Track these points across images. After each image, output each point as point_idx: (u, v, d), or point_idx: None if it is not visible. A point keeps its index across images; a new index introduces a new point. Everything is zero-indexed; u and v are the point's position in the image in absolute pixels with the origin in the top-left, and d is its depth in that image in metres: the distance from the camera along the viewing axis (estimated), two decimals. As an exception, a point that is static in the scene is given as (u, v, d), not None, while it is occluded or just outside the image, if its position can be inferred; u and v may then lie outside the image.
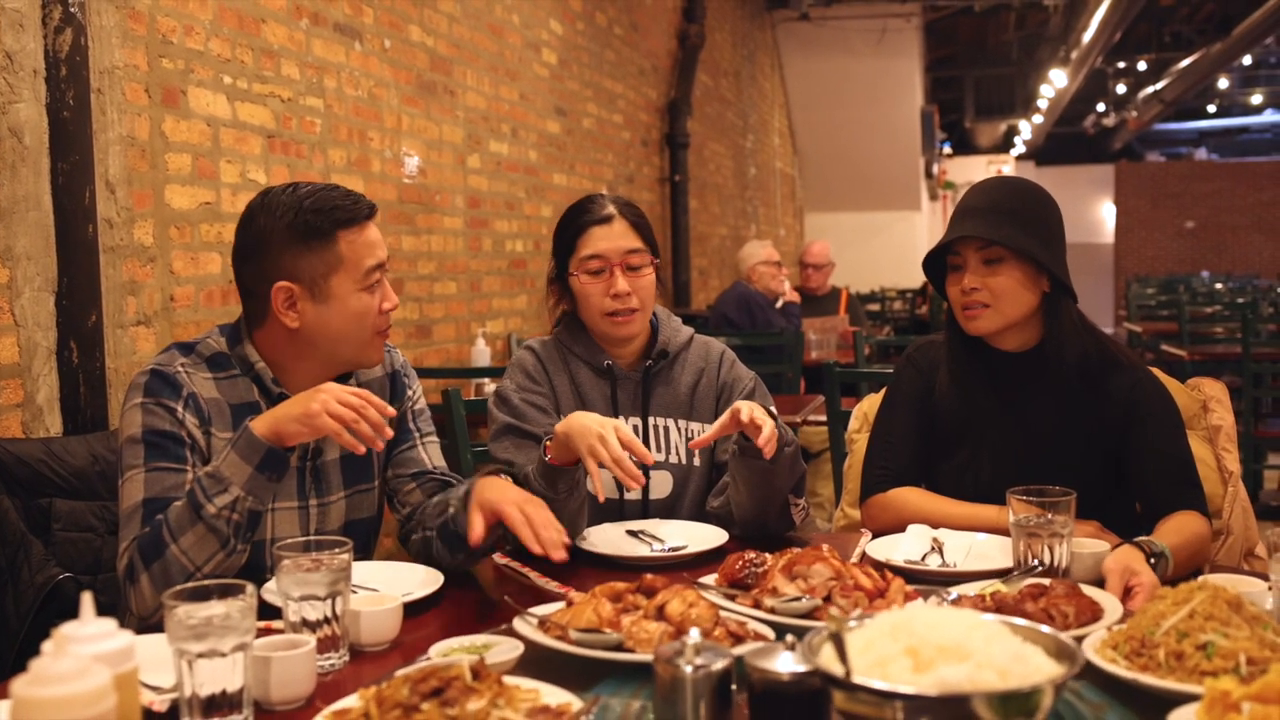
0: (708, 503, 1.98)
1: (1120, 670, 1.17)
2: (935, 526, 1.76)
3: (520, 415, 1.93)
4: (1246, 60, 13.64)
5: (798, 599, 1.39)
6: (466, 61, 4.46)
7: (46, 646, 0.88)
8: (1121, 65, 15.28)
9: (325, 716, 1.08)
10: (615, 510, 1.95)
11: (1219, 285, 12.65)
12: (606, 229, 1.96)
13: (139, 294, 2.65)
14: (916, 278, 9.97)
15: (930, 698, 0.93)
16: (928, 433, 1.93)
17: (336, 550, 1.31)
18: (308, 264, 1.61)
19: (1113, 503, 1.84)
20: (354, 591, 1.40)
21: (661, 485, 1.98)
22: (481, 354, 4.30)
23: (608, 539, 1.82)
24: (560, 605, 1.39)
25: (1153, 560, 1.52)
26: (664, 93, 7.29)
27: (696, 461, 2.01)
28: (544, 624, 1.34)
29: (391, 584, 1.58)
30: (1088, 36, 10.82)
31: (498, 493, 1.60)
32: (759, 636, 1.30)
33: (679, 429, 2.01)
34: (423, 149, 4.10)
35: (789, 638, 1.07)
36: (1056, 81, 13.07)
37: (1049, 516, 1.53)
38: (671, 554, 1.75)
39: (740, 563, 1.50)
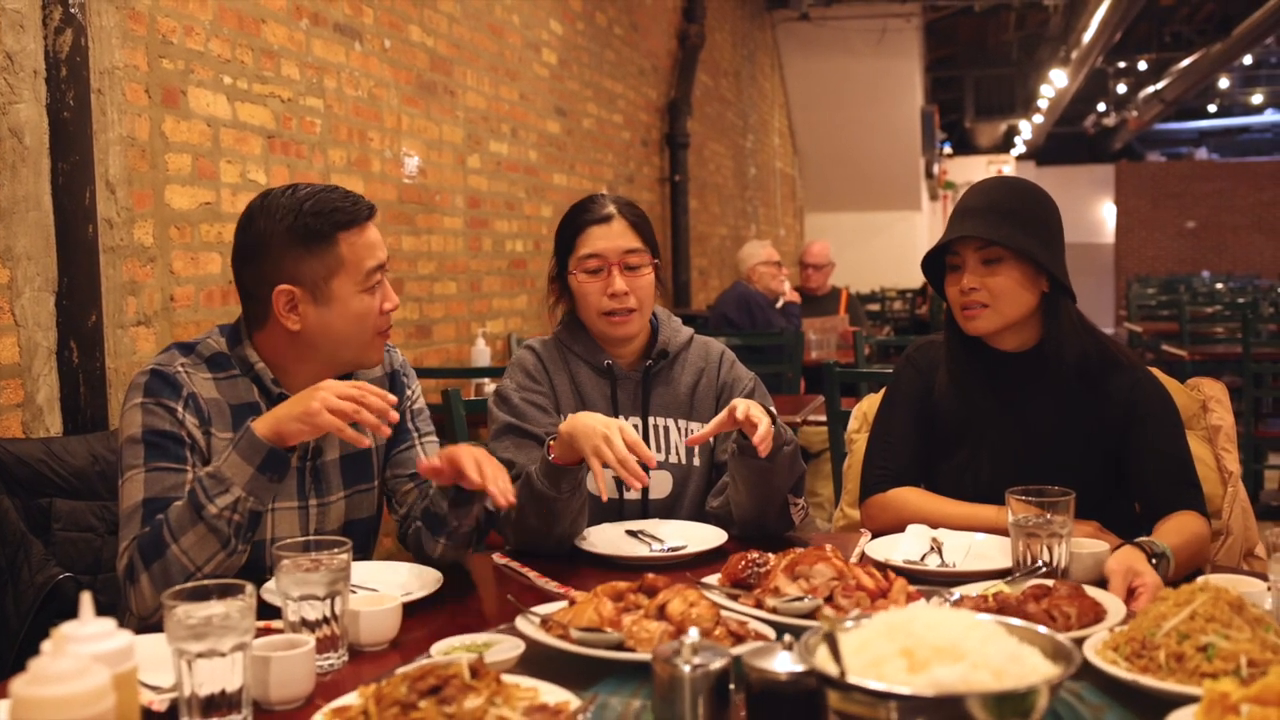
0: (707, 503, 1.98)
1: (1120, 672, 1.17)
2: (934, 526, 1.76)
3: (520, 415, 1.94)
4: (1247, 60, 13.64)
5: (799, 599, 1.39)
6: (466, 61, 4.46)
7: (46, 646, 0.88)
8: (1122, 65, 15.28)
9: (325, 714, 1.08)
10: (615, 510, 1.95)
11: (1219, 285, 12.65)
12: (605, 228, 1.97)
13: (139, 294, 2.66)
14: (917, 278, 9.97)
15: (924, 698, 0.93)
16: (927, 433, 1.93)
17: (336, 550, 1.31)
18: (309, 267, 1.61)
19: (1112, 503, 1.84)
20: (353, 591, 1.41)
21: (661, 485, 1.98)
22: (481, 354, 4.30)
23: (607, 539, 1.82)
24: (563, 604, 1.39)
25: (1154, 561, 1.52)
26: (664, 93, 7.29)
27: (696, 461, 2.01)
28: (546, 623, 1.34)
29: (391, 584, 1.58)
30: (1088, 36, 10.82)
31: (460, 445, 1.62)
32: (760, 636, 1.30)
33: (679, 429, 2.02)
34: (423, 149, 4.10)
35: (786, 637, 1.07)
36: (1057, 81, 13.07)
37: (1048, 517, 1.52)
38: (671, 554, 1.75)
39: (743, 562, 1.50)
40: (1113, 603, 1.39)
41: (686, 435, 2.01)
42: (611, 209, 1.98)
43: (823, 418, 3.05)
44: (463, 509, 1.68)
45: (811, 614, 1.37)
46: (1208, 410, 2.11)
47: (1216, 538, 1.98)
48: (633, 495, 1.96)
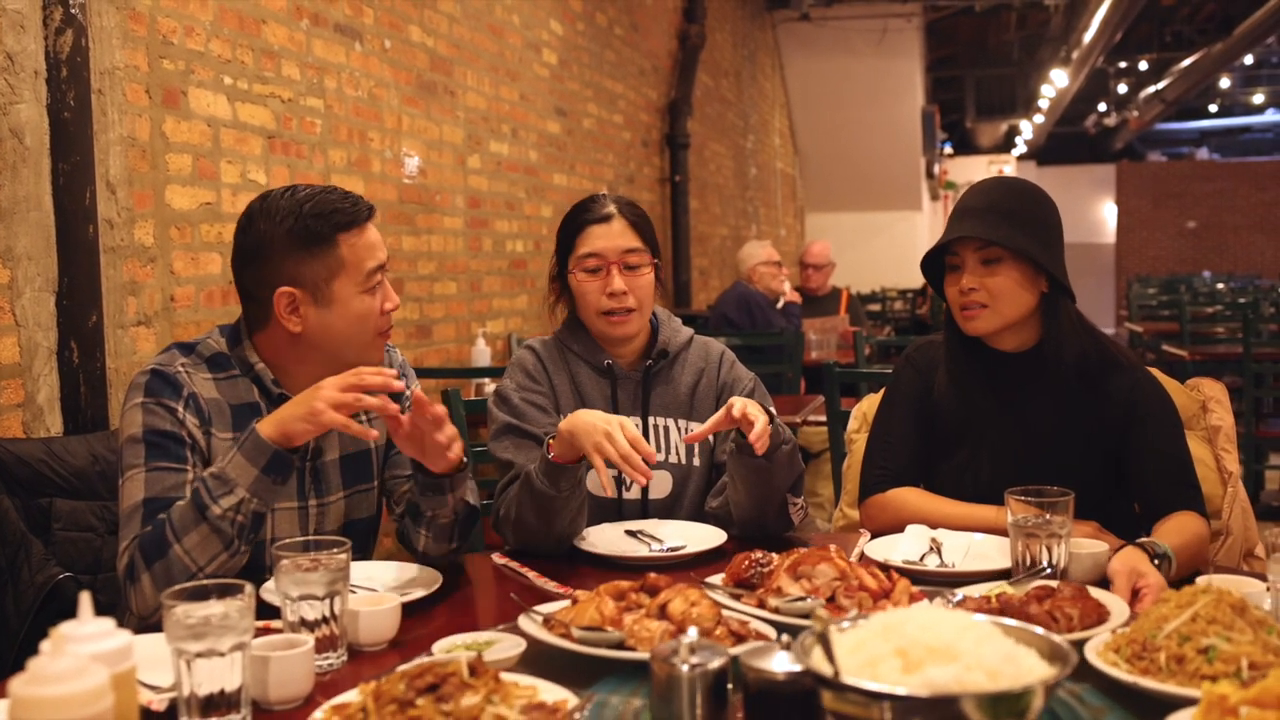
0: (707, 503, 1.99)
1: (1120, 673, 1.16)
2: (934, 527, 1.76)
3: (520, 415, 1.94)
4: (1248, 60, 13.62)
5: (801, 599, 1.39)
6: (467, 62, 4.46)
7: (44, 646, 0.88)
8: (1123, 65, 15.27)
9: (325, 711, 1.08)
10: (614, 510, 1.96)
11: (1220, 285, 12.64)
12: (605, 228, 1.97)
13: (139, 294, 2.66)
14: (917, 278, 9.96)
15: (917, 698, 0.93)
16: (926, 433, 1.93)
17: (335, 550, 1.32)
18: (309, 269, 1.62)
19: (1111, 503, 1.84)
20: (353, 591, 1.41)
21: (661, 485, 1.98)
22: (481, 354, 4.30)
23: (607, 539, 1.83)
24: (566, 603, 1.39)
25: (1156, 562, 1.51)
26: (664, 93, 7.29)
27: (696, 461, 2.01)
28: (548, 621, 1.34)
29: (390, 584, 1.58)
30: (1089, 36, 10.82)
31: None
32: (761, 636, 1.31)
33: (679, 429, 2.02)
34: (423, 149, 4.10)
35: (784, 637, 1.07)
36: (1057, 81, 13.06)
37: (1047, 517, 1.52)
38: (670, 554, 1.76)
39: (747, 562, 1.51)
40: (1116, 604, 1.39)
41: (686, 435, 2.01)
42: (611, 209, 1.98)
43: (823, 418, 3.05)
44: (433, 496, 1.68)
45: (813, 614, 1.37)
46: (1207, 410, 2.11)
47: (1216, 538, 1.98)
48: (632, 495, 1.96)
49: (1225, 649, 1.14)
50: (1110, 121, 18.09)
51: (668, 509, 1.98)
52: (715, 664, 1.05)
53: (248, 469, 1.50)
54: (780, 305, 5.53)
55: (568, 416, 1.74)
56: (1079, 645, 1.22)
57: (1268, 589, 1.38)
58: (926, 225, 13.21)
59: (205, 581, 1.14)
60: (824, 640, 0.99)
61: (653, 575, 1.41)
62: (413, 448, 1.62)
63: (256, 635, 1.17)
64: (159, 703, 1.15)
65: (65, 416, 2.39)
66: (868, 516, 1.91)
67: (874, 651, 0.99)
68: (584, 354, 2.01)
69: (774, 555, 1.51)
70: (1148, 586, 1.43)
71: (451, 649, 1.28)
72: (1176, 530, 1.66)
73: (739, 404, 1.73)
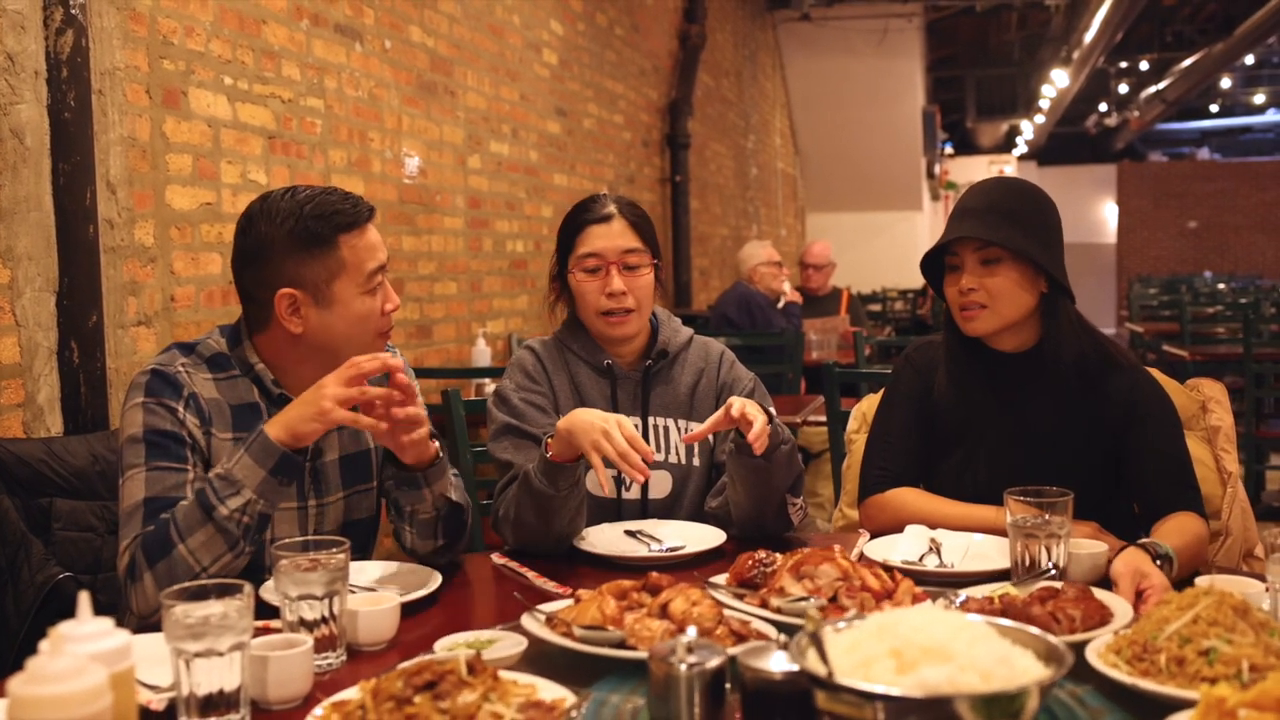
0: (706, 503, 1.99)
1: (1120, 675, 1.16)
2: (933, 527, 1.76)
3: (519, 415, 1.94)
4: (1249, 60, 13.60)
5: (804, 599, 1.39)
6: (467, 62, 4.46)
7: (43, 645, 0.88)
8: (1124, 65, 15.26)
9: (325, 707, 1.09)
10: (613, 510, 1.96)
11: (1221, 285, 12.63)
12: (605, 228, 1.97)
13: (140, 294, 2.66)
14: (918, 278, 9.92)
15: (909, 699, 0.93)
16: (926, 433, 1.93)
17: (334, 550, 1.32)
18: (310, 270, 1.62)
19: (1111, 503, 1.84)
20: (352, 591, 1.41)
21: (660, 485, 1.98)
22: (482, 354, 4.30)
23: (606, 539, 1.83)
24: (569, 602, 1.40)
25: (1158, 562, 1.51)
26: (665, 93, 7.30)
27: (696, 461, 2.01)
28: (551, 620, 1.35)
29: (390, 584, 1.58)
30: (1089, 36, 10.81)
31: None
32: (762, 636, 1.31)
33: (678, 429, 2.02)
34: (423, 149, 4.10)
35: (782, 637, 1.07)
36: (1058, 81, 13.06)
37: (1046, 517, 1.52)
38: (669, 554, 1.76)
39: (751, 562, 1.51)
40: (1120, 606, 1.38)
41: (685, 435, 2.01)
42: (612, 209, 1.99)
43: (823, 418, 3.05)
44: (409, 491, 1.68)
45: (805, 614, 1.37)
46: (1207, 411, 2.10)
47: (1216, 538, 1.97)
48: (632, 495, 1.97)
49: (1226, 651, 1.13)
50: (1111, 121, 18.08)
51: (667, 509, 1.98)
52: (713, 663, 1.05)
53: (255, 470, 1.50)
54: (781, 305, 5.53)
55: (566, 415, 1.74)
56: (1081, 647, 1.22)
57: (1267, 589, 1.38)
58: (927, 225, 13.21)
59: (205, 581, 1.14)
60: (816, 640, 0.99)
61: (655, 575, 1.41)
62: (387, 437, 1.63)
63: (256, 635, 1.18)
64: (158, 702, 1.15)
65: (65, 416, 2.39)
66: (867, 517, 1.91)
67: (869, 652, 0.99)
68: (583, 354, 2.01)
69: (778, 555, 1.51)
70: (1152, 588, 1.42)
71: (453, 647, 1.28)
72: (1177, 531, 1.65)
73: (738, 404, 1.73)
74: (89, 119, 2.43)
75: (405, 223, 3.98)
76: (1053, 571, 1.51)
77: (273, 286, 1.62)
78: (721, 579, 1.54)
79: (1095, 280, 17.90)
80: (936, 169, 14.98)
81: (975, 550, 1.68)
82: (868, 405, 2.28)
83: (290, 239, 1.61)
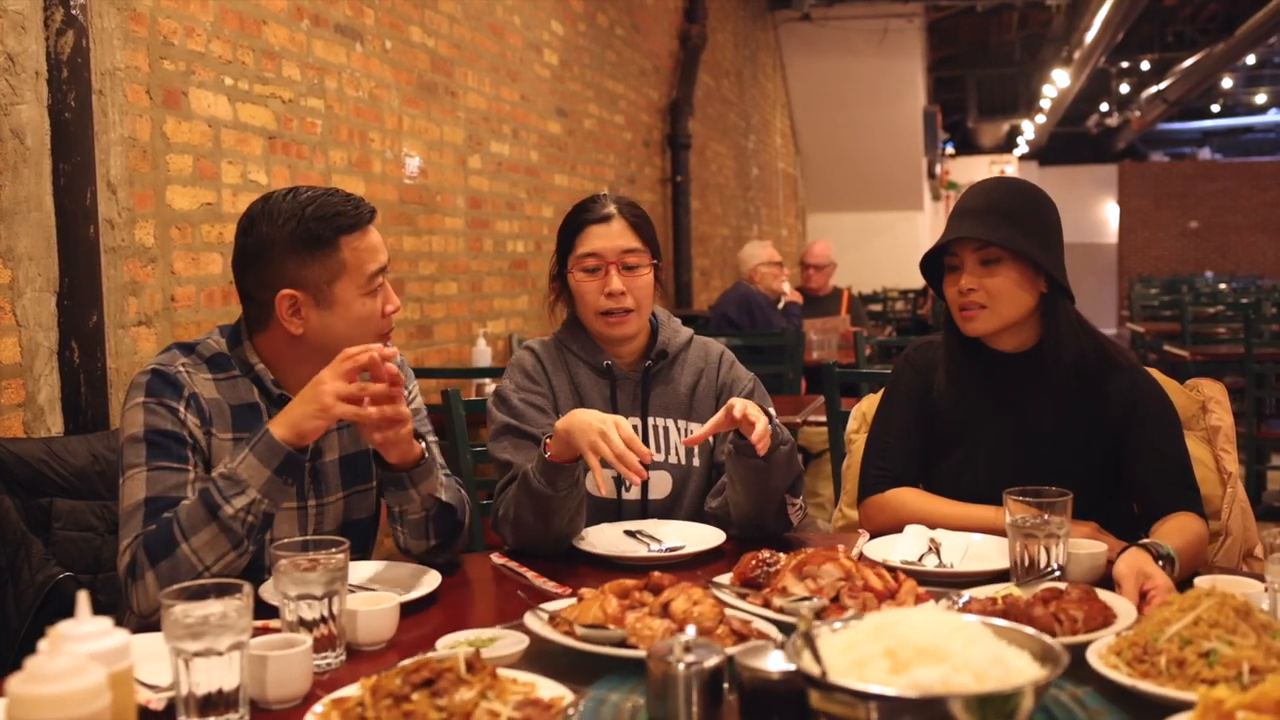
0: (706, 503, 1.99)
1: (1120, 676, 1.16)
2: (932, 527, 1.76)
3: (519, 415, 1.94)
4: (1250, 60, 13.59)
5: (806, 599, 1.39)
6: (467, 62, 4.46)
7: (42, 645, 0.89)
8: (1125, 65, 15.25)
9: (325, 705, 1.09)
10: (613, 510, 1.96)
11: (1222, 285, 12.62)
12: (605, 228, 1.97)
13: (140, 294, 2.66)
14: (919, 278, 9.90)
15: (903, 699, 0.93)
16: (926, 433, 1.93)
17: (333, 550, 1.32)
18: (311, 272, 1.62)
19: (1110, 503, 1.83)
20: (352, 591, 1.41)
21: (660, 485, 1.99)
22: (482, 354, 4.30)
23: (606, 539, 1.83)
24: (572, 601, 1.40)
25: (1160, 563, 1.50)
26: (665, 93, 7.30)
27: (696, 462, 2.01)
28: (554, 619, 1.35)
29: (389, 584, 1.59)
30: (1090, 36, 10.81)
31: None
32: (763, 636, 1.31)
33: (678, 429, 2.02)
34: (424, 150, 4.10)
35: (782, 637, 1.07)
36: (1059, 81, 13.05)
37: (1045, 517, 1.52)
38: (669, 554, 1.76)
39: (754, 562, 1.51)
40: (1123, 607, 1.38)
41: (686, 436, 2.01)
42: (611, 209, 1.99)
43: (823, 418, 3.05)
44: (396, 491, 1.68)
45: (817, 615, 1.37)
46: (1207, 411, 2.10)
47: (1216, 539, 1.97)
48: (632, 496, 1.97)
49: (1226, 653, 1.13)
50: (1112, 121, 18.07)
51: (667, 509, 1.98)
52: (711, 662, 1.05)
53: (260, 470, 1.50)
54: (781, 305, 5.54)
55: (565, 416, 1.74)
56: (1082, 648, 1.21)
57: (1266, 590, 1.38)
58: (928, 225, 13.21)
59: (204, 581, 1.14)
60: (809, 639, 0.99)
61: (657, 574, 1.41)
62: (370, 431, 1.62)
63: (255, 635, 1.18)
64: (157, 701, 1.15)
65: (66, 416, 2.40)
66: (866, 517, 1.91)
67: (863, 652, 0.99)
68: (583, 354, 2.01)
69: (781, 555, 1.51)
70: (1155, 589, 1.42)
71: (455, 645, 1.28)
72: (1177, 531, 1.65)
73: (739, 405, 1.72)
74: (89, 119, 2.44)
75: (406, 223, 3.99)
76: (1056, 572, 1.50)
77: (273, 287, 1.62)
78: (725, 579, 1.54)
79: (1096, 280, 17.90)
80: (937, 169, 14.97)
81: (974, 550, 1.68)
82: (868, 405, 2.28)
83: (291, 240, 1.61)
